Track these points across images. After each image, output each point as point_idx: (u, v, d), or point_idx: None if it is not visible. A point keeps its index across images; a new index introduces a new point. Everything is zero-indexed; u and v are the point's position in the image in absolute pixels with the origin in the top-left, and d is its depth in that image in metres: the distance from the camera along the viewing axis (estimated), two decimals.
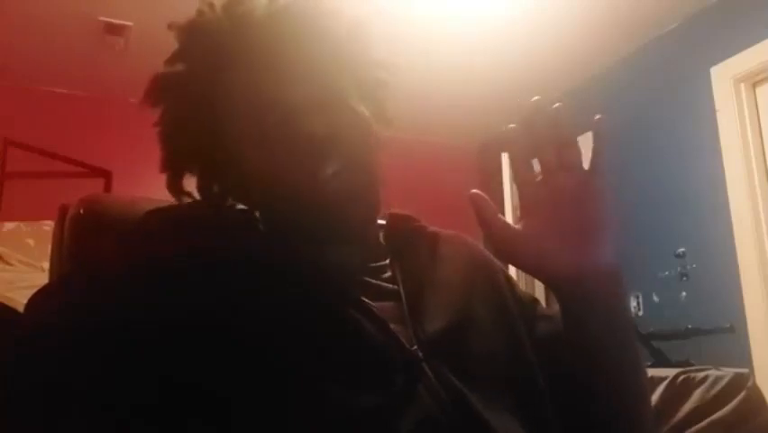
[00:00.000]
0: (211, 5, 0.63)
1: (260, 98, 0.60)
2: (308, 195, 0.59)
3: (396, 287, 0.62)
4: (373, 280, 0.63)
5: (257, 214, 0.67)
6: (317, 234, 0.61)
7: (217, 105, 0.62)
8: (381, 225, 0.71)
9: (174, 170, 0.65)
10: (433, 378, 0.55)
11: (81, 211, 0.72)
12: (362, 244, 0.65)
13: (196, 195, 0.66)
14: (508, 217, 2.86)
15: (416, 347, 0.57)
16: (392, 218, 0.72)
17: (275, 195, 0.62)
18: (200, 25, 0.63)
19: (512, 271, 1.45)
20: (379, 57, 0.69)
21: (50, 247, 0.73)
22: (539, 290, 2.27)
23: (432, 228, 0.74)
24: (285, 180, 0.60)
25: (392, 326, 0.57)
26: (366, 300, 0.58)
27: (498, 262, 0.75)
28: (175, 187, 0.65)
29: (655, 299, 3.09)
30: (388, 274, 0.64)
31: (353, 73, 0.65)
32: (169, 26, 0.63)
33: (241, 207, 0.67)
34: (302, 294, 0.56)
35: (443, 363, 0.57)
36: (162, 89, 0.64)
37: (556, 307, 0.70)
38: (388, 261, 0.66)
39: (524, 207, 0.59)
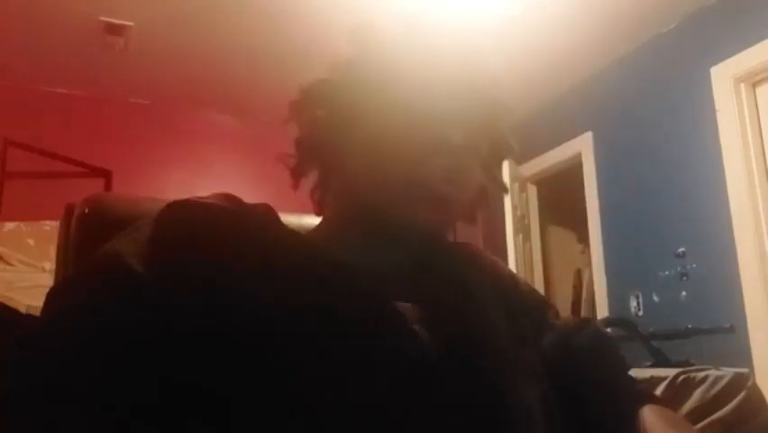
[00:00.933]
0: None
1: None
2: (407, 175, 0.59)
3: (416, 288, 0.62)
4: (397, 281, 0.63)
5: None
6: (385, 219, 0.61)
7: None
8: None
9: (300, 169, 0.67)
10: (448, 379, 0.56)
11: (86, 210, 0.72)
12: (407, 250, 0.65)
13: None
14: (508, 217, 2.87)
15: (433, 347, 0.57)
16: None
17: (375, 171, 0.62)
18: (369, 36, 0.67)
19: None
20: (500, 101, 0.68)
21: (50, 247, 0.73)
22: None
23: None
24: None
25: (413, 326, 0.57)
26: (387, 299, 0.58)
27: (504, 268, 0.77)
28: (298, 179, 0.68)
29: (655, 298, 3.09)
30: (411, 275, 0.65)
31: (478, 119, 0.65)
32: (350, 32, 0.66)
33: (262, 204, 0.66)
34: (308, 294, 0.56)
35: (459, 365, 0.57)
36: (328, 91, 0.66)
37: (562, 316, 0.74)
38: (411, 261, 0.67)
39: None
